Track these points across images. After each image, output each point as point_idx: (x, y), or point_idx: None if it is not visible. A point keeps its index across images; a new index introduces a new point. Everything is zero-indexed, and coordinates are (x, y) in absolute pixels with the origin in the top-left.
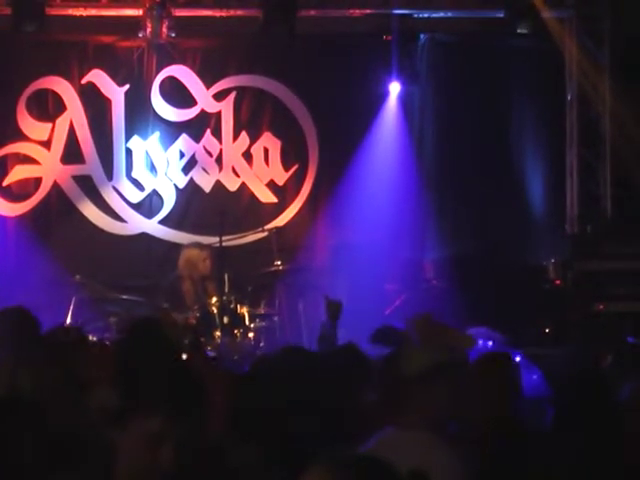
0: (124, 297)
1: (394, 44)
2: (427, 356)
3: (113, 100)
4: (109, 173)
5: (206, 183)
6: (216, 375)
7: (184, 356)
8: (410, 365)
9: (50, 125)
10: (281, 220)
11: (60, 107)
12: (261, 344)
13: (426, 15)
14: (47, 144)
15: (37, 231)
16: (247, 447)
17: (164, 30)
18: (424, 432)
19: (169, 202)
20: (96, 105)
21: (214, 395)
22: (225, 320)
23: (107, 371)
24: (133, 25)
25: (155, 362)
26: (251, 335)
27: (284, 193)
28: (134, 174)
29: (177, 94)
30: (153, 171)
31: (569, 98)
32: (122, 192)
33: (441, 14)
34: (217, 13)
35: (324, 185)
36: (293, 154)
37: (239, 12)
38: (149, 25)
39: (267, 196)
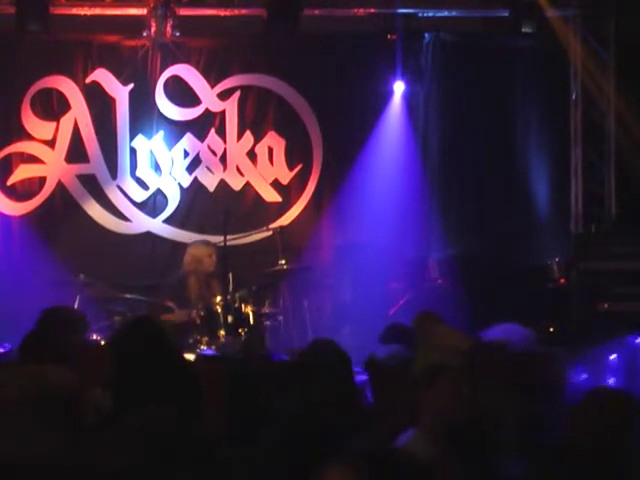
0: (128, 296)
1: (398, 43)
2: (429, 357)
3: (117, 99)
4: (113, 172)
5: (210, 182)
6: (217, 374)
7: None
8: (414, 366)
9: (54, 124)
10: (285, 219)
11: (64, 106)
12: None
13: (430, 14)
14: (51, 143)
15: (41, 230)
16: (242, 445)
17: (168, 29)
18: (432, 433)
19: (173, 201)
20: (100, 104)
21: (213, 394)
22: (229, 319)
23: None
24: (137, 24)
25: (150, 360)
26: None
27: (288, 192)
28: (138, 173)
29: (181, 93)
30: (157, 170)
31: (573, 97)
32: (126, 191)
33: (445, 13)
34: (221, 12)
35: (328, 184)
36: (297, 153)
37: (243, 11)
38: (153, 24)
39: (271, 195)
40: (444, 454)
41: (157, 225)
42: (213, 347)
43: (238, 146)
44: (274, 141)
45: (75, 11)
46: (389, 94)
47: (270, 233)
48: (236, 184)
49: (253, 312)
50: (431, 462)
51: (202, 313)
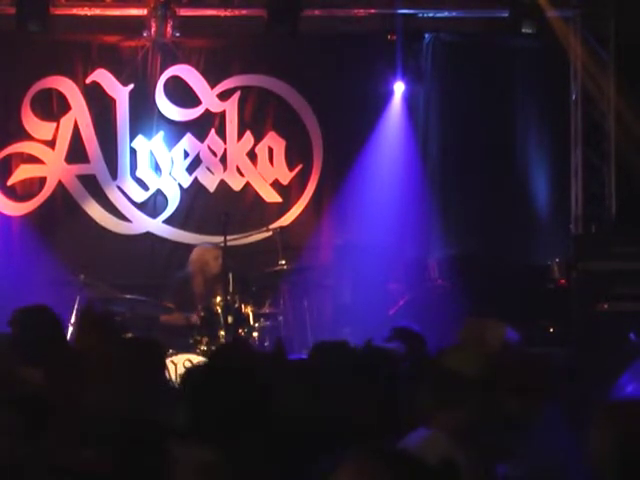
0: (128, 297)
1: (399, 44)
2: (487, 360)
3: (117, 100)
4: (113, 173)
5: (210, 183)
6: None
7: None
8: (469, 367)
9: (54, 124)
10: (285, 220)
11: (64, 106)
12: (265, 344)
13: (431, 15)
14: (51, 143)
15: (41, 231)
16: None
17: (168, 30)
18: (454, 434)
19: (173, 202)
20: (100, 105)
21: None
22: (229, 320)
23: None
24: (137, 25)
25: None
26: (255, 335)
27: (288, 193)
28: (138, 174)
29: (181, 94)
30: (157, 171)
31: (574, 98)
32: (126, 191)
33: (446, 14)
34: (221, 13)
35: (328, 185)
36: (297, 154)
37: (244, 12)
38: (153, 25)
39: (271, 196)
40: (465, 456)
41: (157, 225)
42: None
43: (238, 146)
44: (274, 141)
45: (75, 11)
46: (389, 94)
47: (270, 233)
48: (236, 184)
49: (253, 312)
50: (448, 463)
51: (202, 314)
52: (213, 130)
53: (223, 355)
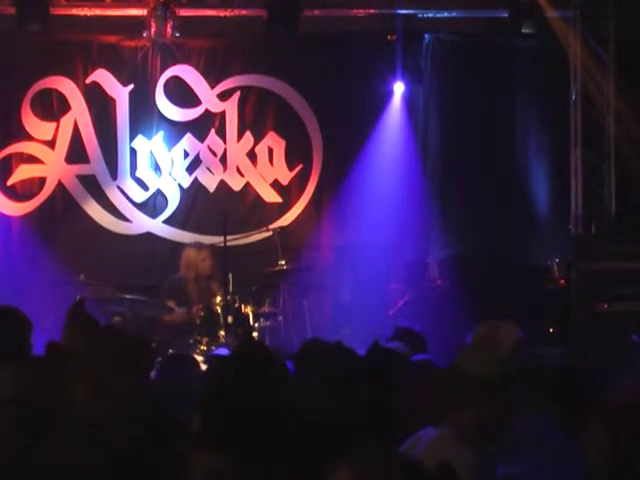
0: (128, 297)
1: (398, 44)
2: (504, 364)
3: (117, 100)
4: (113, 173)
5: (210, 183)
6: None
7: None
8: (481, 367)
9: (54, 125)
10: (285, 220)
11: (64, 107)
12: (265, 343)
13: (430, 15)
14: (51, 144)
15: (41, 231)
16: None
17: (168, 30)
18: (463, 434)
19: (173, 202)
20: (100, 105)
21: None
22: (229, 319)
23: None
24: (137, 25)
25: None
26: (255, 334)
27: (288, 193)
28: (138, 174)
29: (181, 94)
30: (157, 171)
31: (573, 98)
32: (126, 192)
33: (445, 14)
34: (221, 13)
35: (328, 185)
36: (297, 154)
37: (243, 12)
38: (153, 25)
39: (271, 196)
40: (474, 455)
41: (157, 226)
42: (214, 347)
43: (238, 147)
44: (274, 142)
45: (75, 11)
46: (389, 94)
47: (270, 233)
48: (236, 184)
49: (253, 312)
50: (446, 466)
51: (202, 313)
52: (213, 130)
53: (240, 357)
